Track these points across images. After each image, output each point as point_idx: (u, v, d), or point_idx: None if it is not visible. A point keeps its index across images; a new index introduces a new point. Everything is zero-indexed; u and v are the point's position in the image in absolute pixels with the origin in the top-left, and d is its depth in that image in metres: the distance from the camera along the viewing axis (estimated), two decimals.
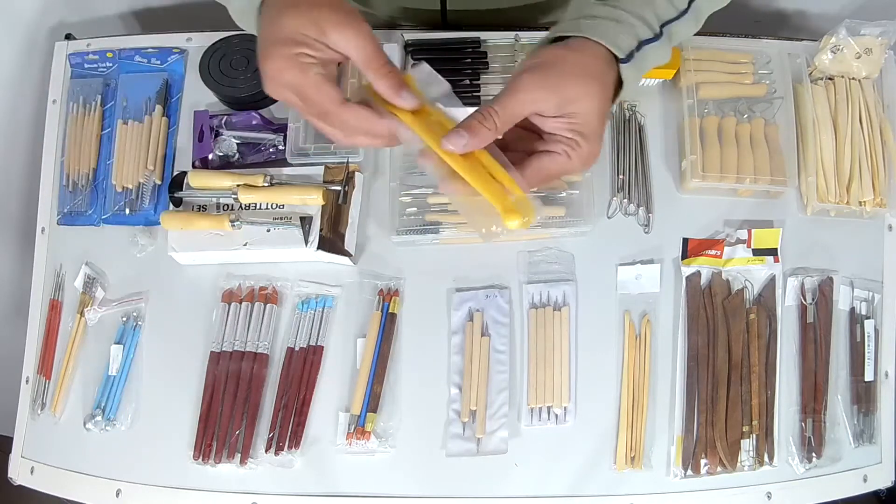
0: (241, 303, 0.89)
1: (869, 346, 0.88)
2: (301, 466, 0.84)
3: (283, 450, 0.84)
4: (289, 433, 0.84)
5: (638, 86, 0.71)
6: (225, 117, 0.95)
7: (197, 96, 0.98)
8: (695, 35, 0.97)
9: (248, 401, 0.86)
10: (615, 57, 0.61)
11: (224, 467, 0.84)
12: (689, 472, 0.83)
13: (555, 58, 0.59)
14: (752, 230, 0.89)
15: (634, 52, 0.62)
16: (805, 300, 0.89)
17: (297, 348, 0.88)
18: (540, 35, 0.92)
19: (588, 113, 0.58)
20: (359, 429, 0.84)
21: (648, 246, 0.91)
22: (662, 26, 0.65)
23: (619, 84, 0.63)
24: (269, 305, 0.89)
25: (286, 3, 0.57)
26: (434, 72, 0.62)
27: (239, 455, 0.83)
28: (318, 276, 0.91)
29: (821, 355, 0.87)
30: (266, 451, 0.84)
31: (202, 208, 0.89)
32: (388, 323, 0.88)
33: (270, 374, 0.87)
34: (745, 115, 0.93)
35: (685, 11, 0.66)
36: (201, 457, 0.83)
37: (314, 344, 0.87)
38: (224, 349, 0.87)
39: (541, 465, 0.84)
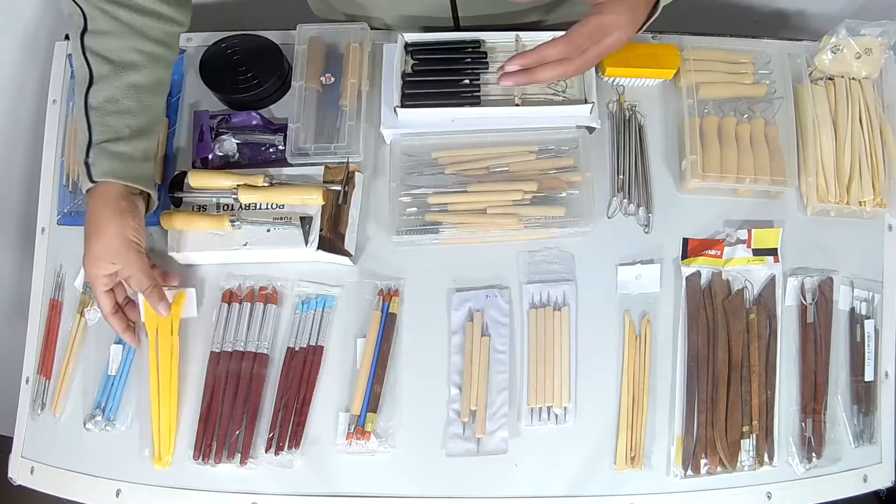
0: (241, 303, 0.89)
1: (869, 346, 0.88)
2: (301, 466, 0.84)
3: (283, 450, 0.84)
4: (289, 433, 0.84)
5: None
6: (225, 117, 0.95)
7: (197, 96, 0.98)
8: (695, 35, 0.98)
9: (248, 401, 0.86)
10: None
11: (224, 467, 0.84)
12: (689, 472, 0.83)
13: None
14: (752, 230, 0.89)
15: None
16: (805, 300, 0.89)
17: (297, 348, 0.88)
18: (540, 35, 0.92)
19: None
20: (359, 429, 0.84)
21: (648, 246, 0.91)
22: None
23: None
24: (269, 305, 0.89)
25: (91, 231, 0.80)
26: None
27: (239, 455, 0.83)
28: (317, 276, 0.91)
29: (821, 355, 0.87)
30: (266, 451, 0.84)
31: (202, 208, 0.89)
32: (388, 323, 0.88)
33: (270, 374, 0.87)
34: (745, 115, 0.93)
35: None
36: (201, 457, 0.83)
37: (314, 344, 0.87)
38: (224, 349, 0.87)
39: (541, 465, 0.84)
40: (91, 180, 0.79)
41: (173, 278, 0.88)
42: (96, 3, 0.78)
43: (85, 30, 0.79)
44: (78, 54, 0.80)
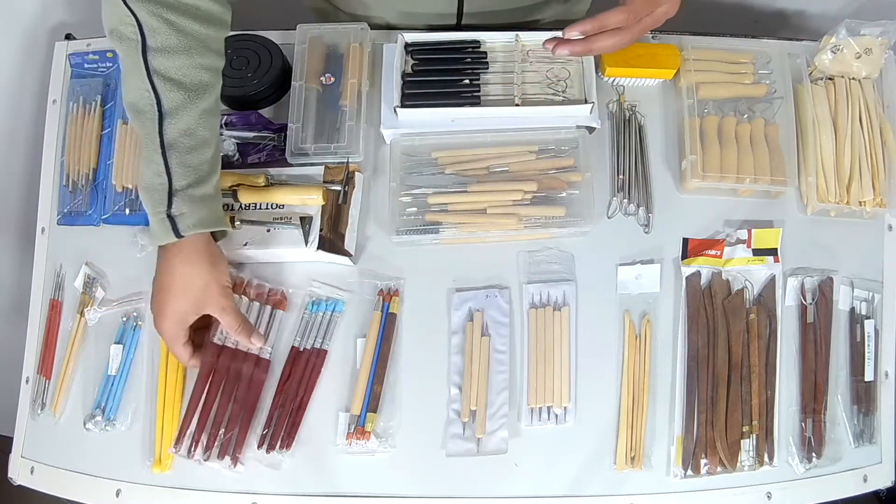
0: (244, 295, 0.88)
1: (869, 346, 0.88)
2: (301, 466, 0.84)
3: (283, 449, 0.83)
4: (281, 434, 0.84)
5: None
6: (225, 117, 0.95)
7: None
8: (695, 35, 0.99)
9: (246, 402, 0.85)
10: None
11: (222, 467, 0.84)
12: (689, 472, 0.83)
13: None
14: (752, 230, 0.89)
15: None
16: (805, 300, 0.89)
17: (301, 348, 0.87)
18: (540, 35, 0.92)
19: None
20: (359, 429, 0.84)
21: (648, 246, 0.91)
22: None
23: None
24: (276, 310, 0.88)
25: (177, 287, 0.76)
26: None
27: (230, 456, 0.83)
28: (331, 279, 0.90)
29: (821, 355, 0.87)
30: (267, 451, 0.83)
31: None
32: (388, 323, 0.88)
33: (270, 377, 0.87)
34: (745, 115, 0.93)
35: None
36: (190, 448, 0.82)
37: (318, 347, 0.87)
38: (227, 344, 0.85)
39: (541, 465, 0.84)
40: (178, 235, 0.71)
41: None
42: (157, 12, 0.68)
43: (146, 46, 0.68)
44: (142, 78, 0.69)
